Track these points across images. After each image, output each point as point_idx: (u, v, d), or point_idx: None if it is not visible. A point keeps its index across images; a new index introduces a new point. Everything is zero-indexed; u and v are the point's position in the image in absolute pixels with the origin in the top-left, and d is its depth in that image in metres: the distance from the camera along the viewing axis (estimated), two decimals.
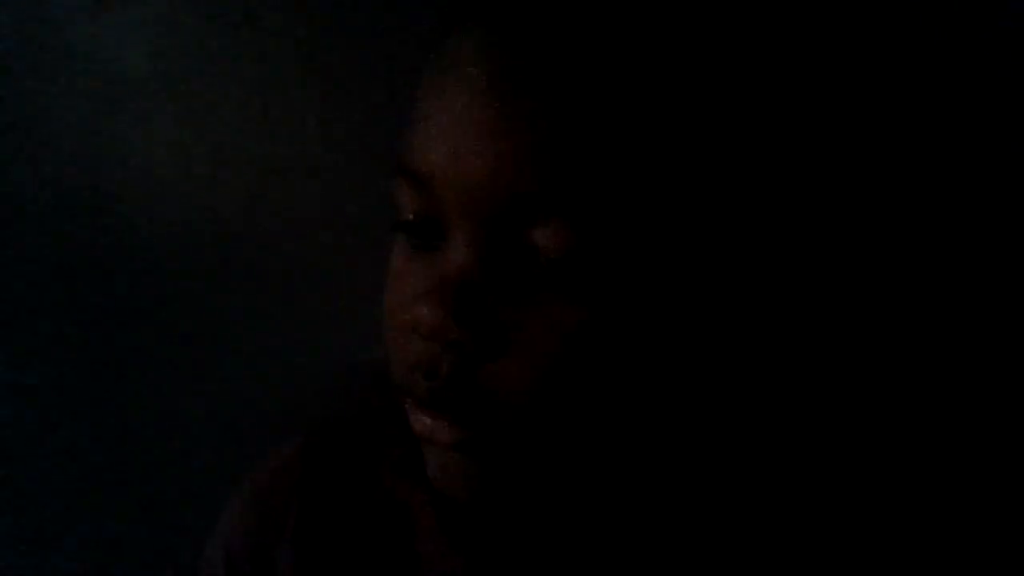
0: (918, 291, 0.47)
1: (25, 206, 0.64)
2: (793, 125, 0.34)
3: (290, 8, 0.58)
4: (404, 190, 0.30)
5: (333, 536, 0.39)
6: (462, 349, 0.28)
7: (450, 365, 0.28)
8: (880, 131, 0.46)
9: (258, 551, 0.41)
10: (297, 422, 0.46)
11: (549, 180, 0.25)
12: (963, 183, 0.46)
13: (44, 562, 0.68)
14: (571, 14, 0.26)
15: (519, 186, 0.26)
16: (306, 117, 0.59)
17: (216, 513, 0.44)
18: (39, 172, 0.63)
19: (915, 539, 0.43)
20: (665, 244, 0.28)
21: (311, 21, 0.58)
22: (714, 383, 0.37)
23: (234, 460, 0.46)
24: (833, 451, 0.46)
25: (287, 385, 0.63)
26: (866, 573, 0.37)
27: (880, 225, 0.47)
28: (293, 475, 0.42)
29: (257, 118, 0.60)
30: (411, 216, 0.30)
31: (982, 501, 0.46)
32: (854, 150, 0.46)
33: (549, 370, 0.28)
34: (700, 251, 0.30)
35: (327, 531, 0.39)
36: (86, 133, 0.62)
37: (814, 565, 0.35)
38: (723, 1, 0.30)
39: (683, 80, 0.27)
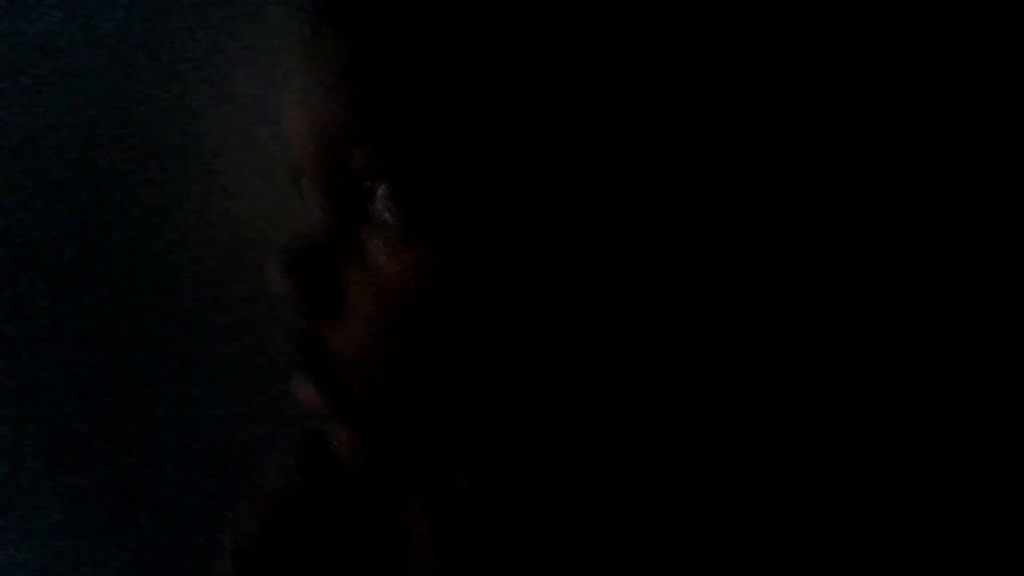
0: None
1: None
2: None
3: None
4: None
5: (332, 538, 0.40)
6: (304, 309, 0.30)
7: (299, 326, 0.31)
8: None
9: (269, 550, 0.43)
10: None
11: (356, 108, 0.28)
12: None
13: None
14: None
15: (334, 116, 0.28)
16: None
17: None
18: None
19: (915, 539, 0.42)
20: (484, 199, 0.28)
21: None
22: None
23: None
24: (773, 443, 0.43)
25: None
26: (865, 573, 0.36)
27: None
28: (295, 478, 0.43)
29: None
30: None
31: (982, 501, 0.45)
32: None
33: (388, 329, 0.29)
34: (529, 214, 0.28)
35: (328, 535, 0.41)
36: None
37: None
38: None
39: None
